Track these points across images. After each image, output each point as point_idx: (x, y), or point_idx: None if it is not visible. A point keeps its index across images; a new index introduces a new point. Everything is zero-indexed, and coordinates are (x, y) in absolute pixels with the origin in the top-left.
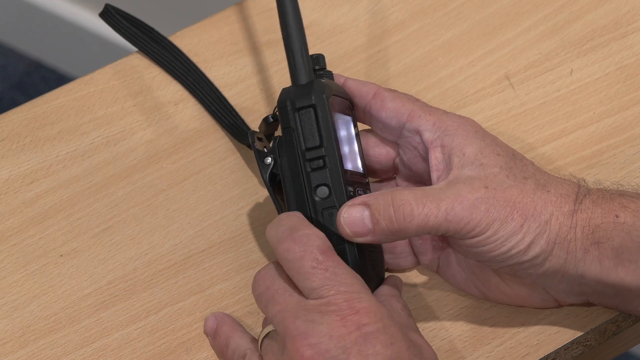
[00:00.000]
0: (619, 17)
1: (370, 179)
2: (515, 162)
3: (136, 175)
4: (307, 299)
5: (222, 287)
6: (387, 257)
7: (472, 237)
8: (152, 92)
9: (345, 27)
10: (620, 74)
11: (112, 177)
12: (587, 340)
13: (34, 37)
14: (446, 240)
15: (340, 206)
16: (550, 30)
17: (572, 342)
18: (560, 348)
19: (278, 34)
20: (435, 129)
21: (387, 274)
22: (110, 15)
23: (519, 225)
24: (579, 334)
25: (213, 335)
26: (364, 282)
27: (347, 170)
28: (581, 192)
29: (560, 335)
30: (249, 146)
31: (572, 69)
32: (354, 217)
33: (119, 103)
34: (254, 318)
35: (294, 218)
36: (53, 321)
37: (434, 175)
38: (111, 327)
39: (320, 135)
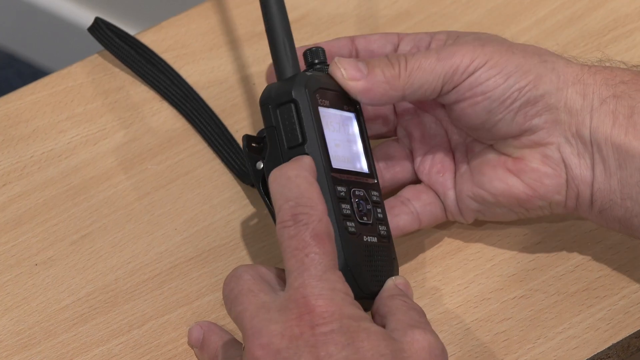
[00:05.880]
0: None
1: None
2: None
3: (118, 177)
4: (277, 293)
5: (212, 298)
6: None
7: (473, 72)
8: (135, 87)
9: (345, 16)
10: None
11: (92, 179)
12: (609, 356)
13: (7, 28)
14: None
15: (325, 210)
16: (569, 19)
17: (592, 358)
18: None
19: None
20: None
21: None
22: (100, 30)
23: (521, 58)
24: (600, 349)
25: (200, 347)
26: (342, 279)
27: (338, 169)
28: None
29: (580, 351)
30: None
31: (592, 62)
32: (347, 60)
33: (99, 99)
34: None
35: (304, 183)
36: (27, 336)
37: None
38: (91, 343)
39: (302, 133)
